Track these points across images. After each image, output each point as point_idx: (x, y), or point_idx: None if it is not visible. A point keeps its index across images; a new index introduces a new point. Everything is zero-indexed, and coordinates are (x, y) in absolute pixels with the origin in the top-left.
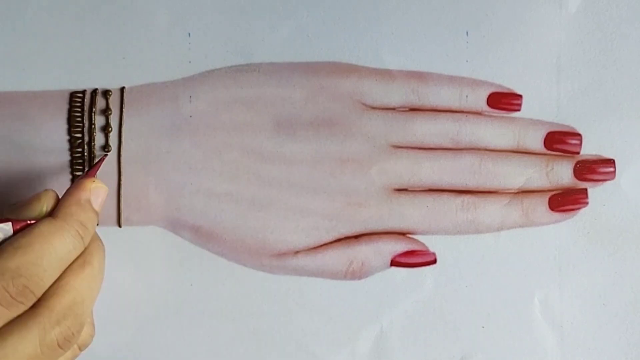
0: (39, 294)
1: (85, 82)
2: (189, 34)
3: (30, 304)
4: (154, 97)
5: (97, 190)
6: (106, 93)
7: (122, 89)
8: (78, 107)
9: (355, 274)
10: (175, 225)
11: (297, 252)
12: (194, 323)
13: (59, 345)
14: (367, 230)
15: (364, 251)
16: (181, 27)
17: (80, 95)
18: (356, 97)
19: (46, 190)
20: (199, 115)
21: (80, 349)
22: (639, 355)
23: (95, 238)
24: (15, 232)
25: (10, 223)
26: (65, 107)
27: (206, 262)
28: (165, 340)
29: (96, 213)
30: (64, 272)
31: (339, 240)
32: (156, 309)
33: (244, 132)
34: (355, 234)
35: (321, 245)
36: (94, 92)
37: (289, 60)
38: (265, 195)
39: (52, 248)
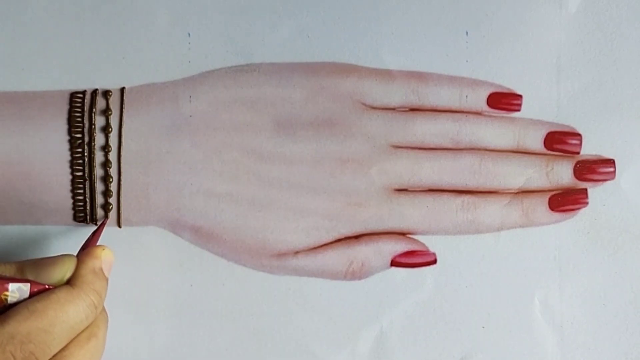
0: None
1: (86, 83)
2: (189, 34)
3: None
4: (154, 97)
5: (107, 258)
6: (106, 93)
7: (122, 89)
8: (78, 107)
9: (356, 274)
10: (175, 226)
11: (297, 253)
12: (194, 323)
13: None
14: (367, 231)
15: (364, 251)
16: (181, 28)
17: (81, 95)
18: (356, 97)
19: (68, 255)
20: (199, 115)
21: None
22: (638, 355)
23: (102, 309)
24: (32, 295)
25: (29, 284)
26: (65, 107)
27: (206, 263)
28: (165, 340)
29: (107, 281)
30: (70, 341)
31: (339, 240)
32: (156, 310)
33: (244, 132)
34: (355, 234)
35: (321, 246)
36: (94, 92)
37: (289, 61)
38: (265, 195)
39: (65, 316)
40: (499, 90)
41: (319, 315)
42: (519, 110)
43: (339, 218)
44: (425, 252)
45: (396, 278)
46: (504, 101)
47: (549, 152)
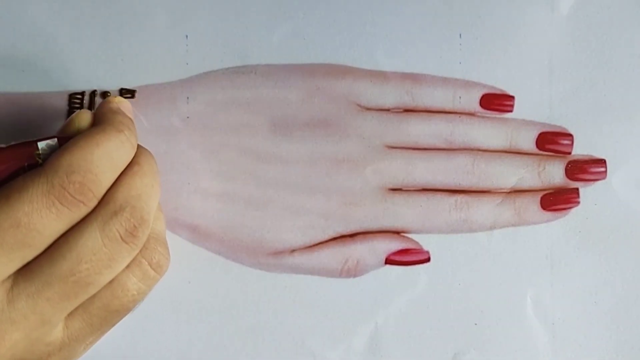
0: (98, 193)
1: (84, 84)
2: (187, 36)
3: (91, 205)
4: (151, 98)
5: (122, 103)
6: (105, 94)
7: (120, 91)
8: (77, 108)
9: (351, 272)
10: (173, 225)
11: (293, 251)
12: (191, 320)
13: (122, 239)
14: (362, 229)
15: (359, 250)
16: (179, 30)
17: (79, 96)
18: (351, 98)
19: (83, 110)
20: (196, 116)
21: (156, 270)
22: (629, 353)
23: (140, 146)
24: None
25: (55, 139)
26: (64, 108)
27: (203, 261)
28: (162, 337)
29: (132, 120)
30: (117, 177)
31: (334, 239)
32: (154, 307)
33: (241, 133)
34: (350, 233)
35: (317, 244)
36: (93, 93)
37: (285, 62)
38: (262, 194)
39: (101, 148)
40: (492, 91)
41: (314, 312)
42: (511, 111)
43: (334, 217)
44: (419, 251)
45: (390, 276)
46: (496, 102)
47: (541, 152)
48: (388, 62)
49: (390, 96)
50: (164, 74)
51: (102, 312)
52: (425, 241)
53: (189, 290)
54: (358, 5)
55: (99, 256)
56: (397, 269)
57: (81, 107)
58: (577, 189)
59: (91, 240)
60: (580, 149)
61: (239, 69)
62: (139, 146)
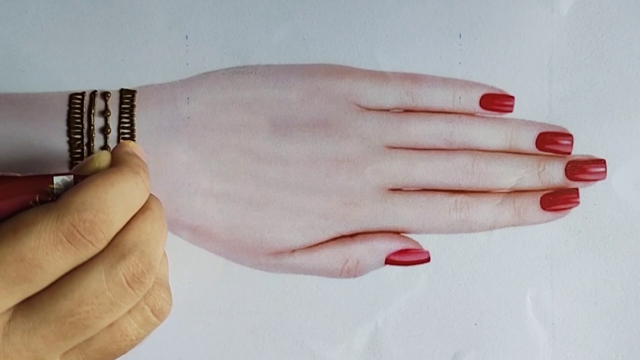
0: (108, 235)
1: (85, 84)
2: (187, 37)
3: (100, 246)
4: (152, 99)
5: (137, 147)
6: (105, 95)
7: (120, 91)
8: (77, 108)
9: (351, 272)
10: (174, 225)
11: (293, 251)
12: (192, 320)
13: (127, 283)
14: (362, 229)
15: (359, 250)
16: (179, 30)
17: (80, 97)
18: (351, 99)
19: (101, 150)
20: (196, 117)
21: (157, 316)
22: (629, 353)
23: (151, 193)
24: None
25: (72, 176)
26: (64, 108)
27: (204, 261)
28: (163, 338)
29: (145, 163)
30: (129, 219)
31: (334, 239)
32: None
33: (241, 133)
34: (350, 233)
35: (317, 244)
36: (93, 93)
37: (285, 63)
38: (262, 195)
39: (116, 188)
40: (492, 91)
41: (315, 312)
42: (511, 111)
43: (334, 217)
44: (419, 251)
45: (390, 276)
46: (496, 102)
47: (540, 152)
48: (388, 63)
49: (390, 96)
50: (164, 74)
51: (99, 354)
52: (425, 241)
53: (189, 290)
54: (358, 6)
55: (101, 300)
56: (397, 269)
57: (81, 107)
58: (577, 189)
59: (95, 283)
60: (580, 149)
61: (239, 69)
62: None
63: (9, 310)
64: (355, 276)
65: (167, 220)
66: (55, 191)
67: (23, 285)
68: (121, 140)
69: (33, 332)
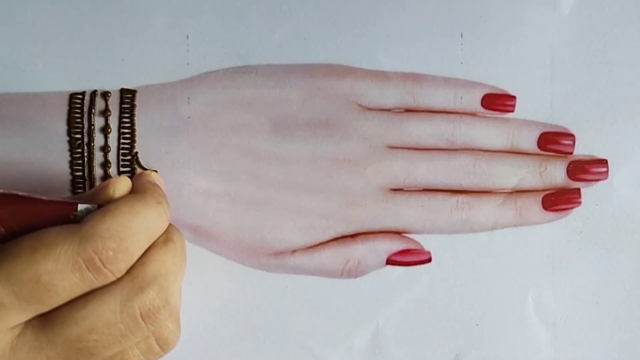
0: (129, 264)
1: (85, 84)
2: (187, 36)
3: (119, 276)
4: (152, 99)
5: (158, 177)
6: (105, 94)
7: (121, 91)
8: (78, 108)
9: (352, 272)
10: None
11: (294, 251)
12: (193, 321)
13: (141, 317)
14: (363, 230)
15: (360, 250)
16: (179, 30)
17: (80, 96)
18: (352, 99)
19: (118, 177)
20: (197, 117)
21: (162, 347)
22: (631, 353)
23: (171, 224)
24: None
25: (96, 206)
26: (65, 108)
27: (205, 261)
28: None
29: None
30: (149, 247)
31: (335, 239)
32: None
33: (242, 133)
34: (351, 233)
35: (318, 244)
36: (94, 93)
37: (286, 62)
38: (263, 195)
39: (140, 216)
40: (493, 91)
41: (316, 313)
42: (512, 111)
43: (335, 217)
44: (420, 251)
45: (392, 276)
46: (498, 102)
47: (542, 152)
48: (389, 62)
49: (392, 96)
50: (164, 74)
51: None
52: (426, 241)
53: (189, 290)
54: (359, 6)
55: (111, 331)
56: (398, 269)
57: (82, 107)
58: (579, 189)
59: (109, 314)
60: (581, 149)
61: (239, 69)
62: (170, 224)
63: (19, 325)
64: (356, 276)
65: None
66: (79, 218)
67: (36, 306)
68: (143, 170)
69: (39, 351)
